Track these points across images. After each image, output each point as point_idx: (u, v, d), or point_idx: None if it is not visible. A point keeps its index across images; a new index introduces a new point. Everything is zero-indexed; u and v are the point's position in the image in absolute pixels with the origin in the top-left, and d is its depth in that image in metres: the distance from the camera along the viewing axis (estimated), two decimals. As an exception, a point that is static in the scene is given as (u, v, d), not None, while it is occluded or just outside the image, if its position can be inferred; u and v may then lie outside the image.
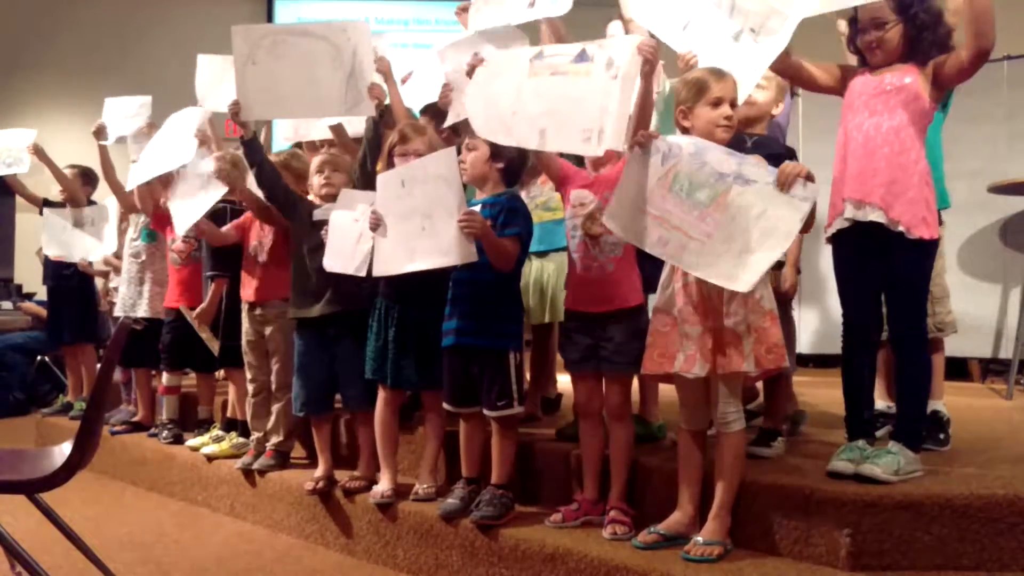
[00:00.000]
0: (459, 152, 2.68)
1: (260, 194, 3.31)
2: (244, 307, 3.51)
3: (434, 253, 2.58)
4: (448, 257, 2.54)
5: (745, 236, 2.18)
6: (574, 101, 2.35)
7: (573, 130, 2.35)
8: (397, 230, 2.68)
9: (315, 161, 3.19)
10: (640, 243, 2.32)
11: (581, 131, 2.34)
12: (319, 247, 3.06)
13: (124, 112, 4.31)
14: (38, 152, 4.79)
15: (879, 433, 2.79)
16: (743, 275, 2.17)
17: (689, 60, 2.46)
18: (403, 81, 3.49)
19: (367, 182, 2.99)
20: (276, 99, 3.01)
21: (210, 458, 3.69)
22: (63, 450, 2.19)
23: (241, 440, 3.72)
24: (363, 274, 2.87)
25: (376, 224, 2.72)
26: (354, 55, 2.91)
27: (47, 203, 5.07)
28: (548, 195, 3.18)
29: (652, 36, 2.54)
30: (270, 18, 8.22)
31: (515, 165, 2.70)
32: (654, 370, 2.36)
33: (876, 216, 2.31)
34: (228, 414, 3.90)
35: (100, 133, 4.32)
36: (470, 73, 2.57)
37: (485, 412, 2.66)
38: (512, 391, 2.62)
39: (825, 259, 2.56)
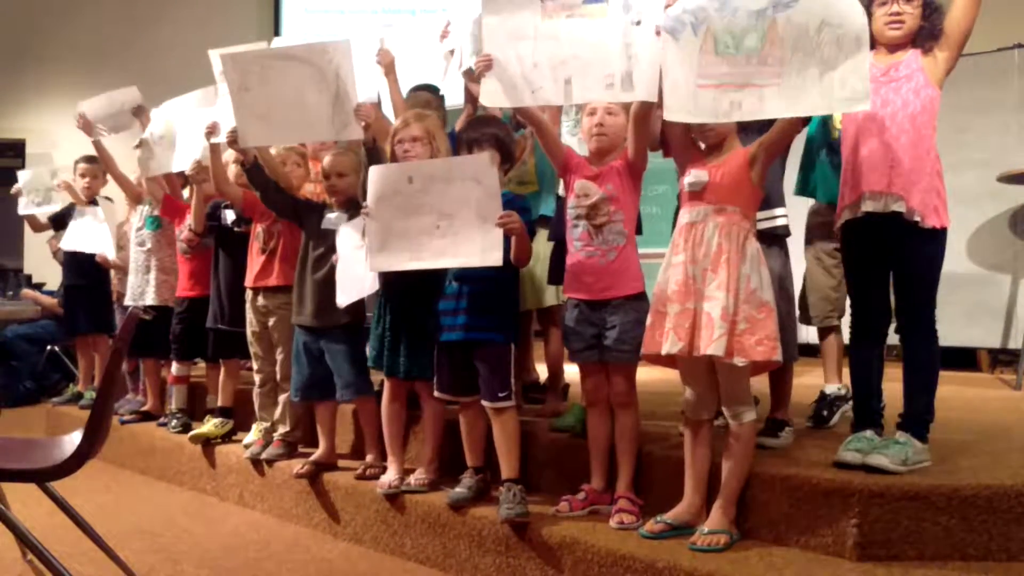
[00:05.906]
0: (458, 148, 2.70)
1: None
2: (248, 295, 3.52)
3: (449, 253, 2.55)
4: (472, 259, 2.52)
5: (818, 55, 2.07)
6: (593, 46, 2.28)
7: (596, 76, 2.29)
8: (397, 225, 2.63)
9: (326, 162, 3.15)
10: (715, 118, 2.20)
11: (604, 77, 2.27)
12: (322, 257, 3.11)
13: (108, 110, 4.26)
14: (68, 188, 4.83)
15: (834, 420, 2.87)
16: (844, 91, 2.05)
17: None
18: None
19: None
20: (270, 125, 2.99)
21: (194, 440, 3.76)
22: (73, 439, 2.20)
23: (220, 420, 3.80)
24: (376, 288, 2.92)
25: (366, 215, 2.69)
26: (337, 77, 2.87)
27: (56, 221, 5.12)
28: (521, 169, 3.16)
29: None
30: (276, 9, 8.19)
31: (507, 159, 2.74)
32: (652, 350, 2.34)
33: (897, 206, 2.28)
34: (221, 402, 3.91)
35: (88, 129, 4.30)
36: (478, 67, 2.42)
37: (486, 404, 2.65)
38: (511, 383, 2.65)
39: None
